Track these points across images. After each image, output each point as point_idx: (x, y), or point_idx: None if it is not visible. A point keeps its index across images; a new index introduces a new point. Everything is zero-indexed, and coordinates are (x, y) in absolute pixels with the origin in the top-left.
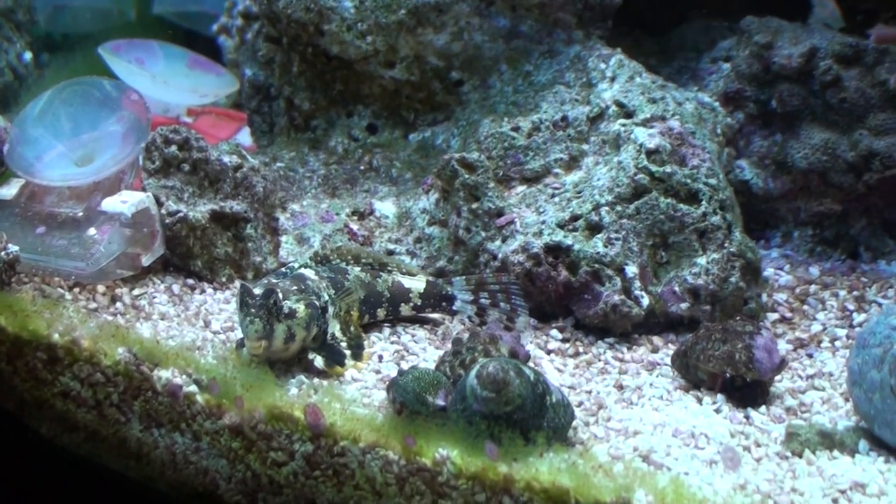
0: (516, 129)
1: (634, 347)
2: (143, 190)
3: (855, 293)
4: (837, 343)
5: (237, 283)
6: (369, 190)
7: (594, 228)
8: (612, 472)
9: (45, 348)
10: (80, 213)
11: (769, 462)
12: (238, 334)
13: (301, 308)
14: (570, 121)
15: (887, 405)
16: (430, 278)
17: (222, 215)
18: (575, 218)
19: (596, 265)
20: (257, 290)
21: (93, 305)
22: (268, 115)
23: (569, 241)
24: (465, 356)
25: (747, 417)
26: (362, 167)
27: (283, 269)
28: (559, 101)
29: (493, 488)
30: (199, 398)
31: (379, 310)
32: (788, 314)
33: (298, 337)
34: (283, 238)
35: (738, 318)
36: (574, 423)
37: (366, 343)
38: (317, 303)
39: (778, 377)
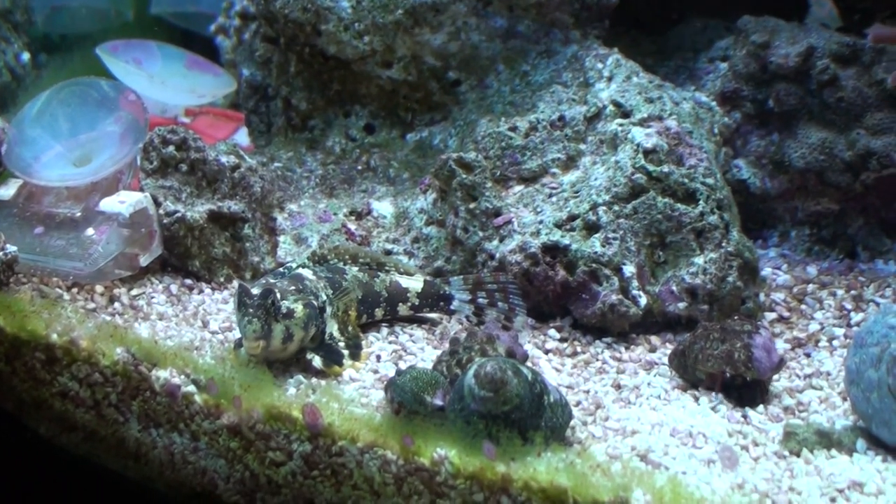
0: (513, 128)
1: (632, 347)
2: (141, 190)
3: (852, 292)
4: (835, 342)
5: (235, 284)
6: (367, 190)
7: (592, 228)
8: (609, 471)
9: (44, 348)
10: (78, 214)
11: (767, 461)
12: (236, 334)
13: (299, 308)
14: (567, 120)
15: (885, 404)
16: (428, 278)
17: (220, 215)
18: (572, 218)
19: (593, 265)
20: (255, 291)
21: (91, 305)
22: (265, 116)
23: (566, 241)
24: (461, 356)
25: (745, 417)
26: (360, 167)
27: (280, 269)
28: (556, 101)
29: (491, 488)
30: (197, 398)
31: (377, 310)
32: (786, 313)
33: (296, 337)
34: (281, 238)
35: (735, 317)
36: (572, 423)
37: (364, 343)
38: (315, 303)
39: (776, 376)
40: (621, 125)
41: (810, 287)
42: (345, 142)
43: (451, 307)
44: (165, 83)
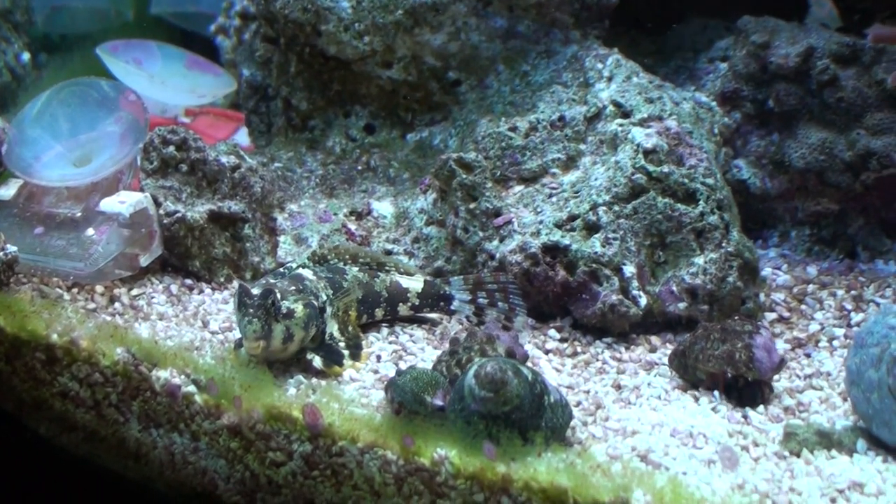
0: (513, 129)
1: (632, 347)
2: (141, 190)
3: (853, 292)
4: (835, 342)
5: (235, 284)
6: (367, 190)
7: (592, 228)
8: (610, 471)
9: (44, 348)
10: (79, 214)
11: (767, 462)
12: (236, 334)
13: (299, 308)
14: (567, 121)
15: (885, 405)
16: (428, 278)
17: (220, 215)
18: (572, 218)
19: (594, 265)
20: (255, 291)
21: (91, 306)
22: (265, 116)
23: (566, 241)
24: (461, 356)
25: (745, 417)
26: (360, 167)
27: (280, 270)
28: (556, 101)
29: (492, 488)
30: (197, 398)
31: (377, 310)
32: (786, 314)
33: (297, 337)
34: (282, 238)
35: (736, 317)
36: (572, 423)
37: (364, 343)
38: (315, 303)
39: (776, 377)
40: (621, 125)
41: (810, 287)
42: (345, 142)
43: (452, 307)
44: (166, 83)
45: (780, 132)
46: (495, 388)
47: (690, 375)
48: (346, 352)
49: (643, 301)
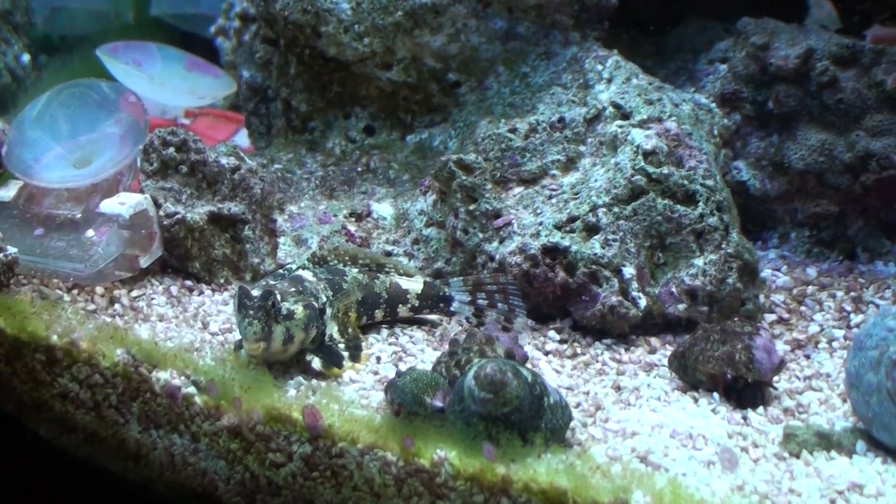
0: (513, 130)
1: (632, 348)
2: (141, 192)
3: (852, 294)
4: (835, 344)
5: (235, 285)
6: (367, 191)
7: (591, 230)
8: (609, 473)
9: (44, 350)
10: (79, 215)
11: (767, 463)
12: (236, 336)
13: (299, 309)
14: (566, 122)
15: (884, 408)
16: (428, 279)
17: (220, 217)
18: (572, 219)
19: (593, 266)
20: (255, 292)
21: (91, 307)
22: (265, 117)
23: (566, 243)
24: (460, 357)
25: (745, 418)
26: (360, 169)
27: (280, 271)
28: (556, 103)
29: (491, 489)
30: (197, 399)
31: (377, 311)
32: (786, 315)
33: (297, 338)
34: (281, 239)
35: (735, 319)
36: (572, 425)
37: (364, 344)
38: (315, 304)
39: (776, 378)
40: (621, 127)
41: (810, 289)
42: (345, 143)
43: (451, 308)
44: (165, 85)
45: (779, 134)
46: (495, 390)
47: (690, 377)
48: (345, 353)
49: (643, 302)
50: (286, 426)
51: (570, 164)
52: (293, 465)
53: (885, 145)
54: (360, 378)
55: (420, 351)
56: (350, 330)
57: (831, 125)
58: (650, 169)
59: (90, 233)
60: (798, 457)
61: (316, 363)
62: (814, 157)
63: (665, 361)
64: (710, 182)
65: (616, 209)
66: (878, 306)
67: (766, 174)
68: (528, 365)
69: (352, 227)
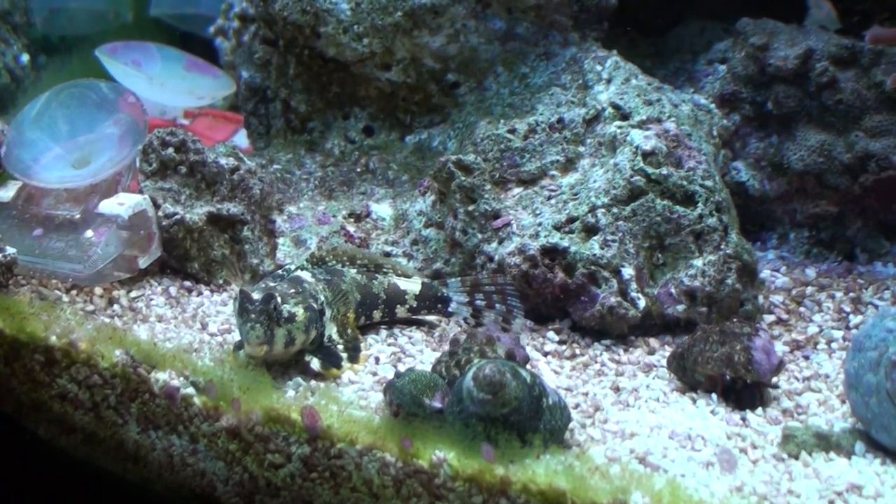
0: (512, 131)
1: (631, 349)
2: (140, 192)
3: (851, 295)
4: (834, 345)
5: (234, 286)
6: (366, 192)
7: (590, 230)
8: (608, 474)
9: (43, 350)
10: (78, 216)
11: (766, 464)
12: (235, 336)
13: (300, 312)
14: (566, 123)
15: (884, 409)
16: (426, 280)
17: (219, 217)
18: (571, 220)
19: (592, 267)
20: (256, 295)
21: (90, 307)
22: (264, 118)
23: (565, 243)
24: (460, 357)
25: (744, 419)
26: (359, 169)
27: (279, 272)
28: (555, 103)
29: (490, 490)
30: (196, 400)
31: (375, 311)
32: (785, 316)
33: (298, 340)
34: (280, 240)
35: (734, 319)
36: (571, 426)
37: (362, 345)
38: (314, 306)
39: (775, 379)
40: (620, 127)
41: (809, 289)
42: (344, 144)
43: (449, 309)
44: (164, 85)
45: (778, 134)
46: (494, 391)
47: (689, 377)
48: (344, 354)
49: (642, 303)
50: (285, 427)
51: (569, 165)
52: (292, 465)
53: (885, 146)
54: (359, 379)
55: (419, 352)
56: (349, 331)
57: (830, 126)
58: (649, 170)
59: (89, 233)
60: (797, 458)
61: (315, 364)
62: (813, 157)
63: (664, 362)
64: (709, 183)
65: (615, 210)
66: (877, 307)
67: (765, 175)
68: (527, 366)
69: (351, 228)
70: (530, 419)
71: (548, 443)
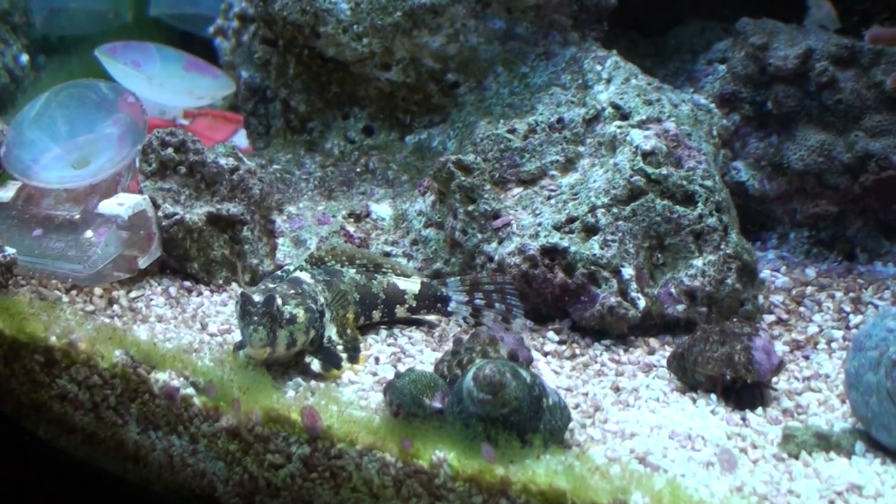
0: (512, 131)
1: (631, 349)
2: (140, 192)
3: (851, 295)
4: (834, 345)
5: (234, 286)
6: (365, 192)
7: (590, 230)
8: (608, 474)
9: (43, 351)
10: (77, 216)
11: (766, 464)
12: (235, 336)
13: (301, 313)
14: (566, 123)
15: (884, 408)
16: (425, 280)
17: (219, 218)
18: (571, 220)
19: (592, 267)
20: (257, 297)
21: (90, 308)
22: (264, 118)
23: (565, 243)
24: (462, 356)
25: (744, 419)
26: (358, 169)
27: (278, 273)
28: (555, 103)
29: (490, 490)
30: (196, 400)
31: (374, 311)
32: (785, 316)
33: (299, 342)
34: (280, 240)
35: (734, 319)
36: (571, 426)
37: (362, 345)
38: (314, 306)
39: (775, 379)
40: (620, 127)
41: (809, 289)
42: (343, 144)
43: (449, 309)
44: (164, 85)
45: (778, 134)
46: (494, 391)
47: (689, 377)
48: (344, 354)
49: (642, 303)
50: (285, 427)
51: (568, 165)
52: (292, 466)
53: (885, 146)
54: (359, 379)
55: (419, 352)
56: (349, 331)
57: (830, 126)
58: (649, 169)
59: (89, 233)
60: (797, 458)
61: (315, 364)
62: (813, 157)
63: (664, 362)
64: (708, 182)
65: (615, 210)
66: (877, 307)
67: (765, 175)
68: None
69: (350, 228)
70: (530, 419)
71: (548, 443)
